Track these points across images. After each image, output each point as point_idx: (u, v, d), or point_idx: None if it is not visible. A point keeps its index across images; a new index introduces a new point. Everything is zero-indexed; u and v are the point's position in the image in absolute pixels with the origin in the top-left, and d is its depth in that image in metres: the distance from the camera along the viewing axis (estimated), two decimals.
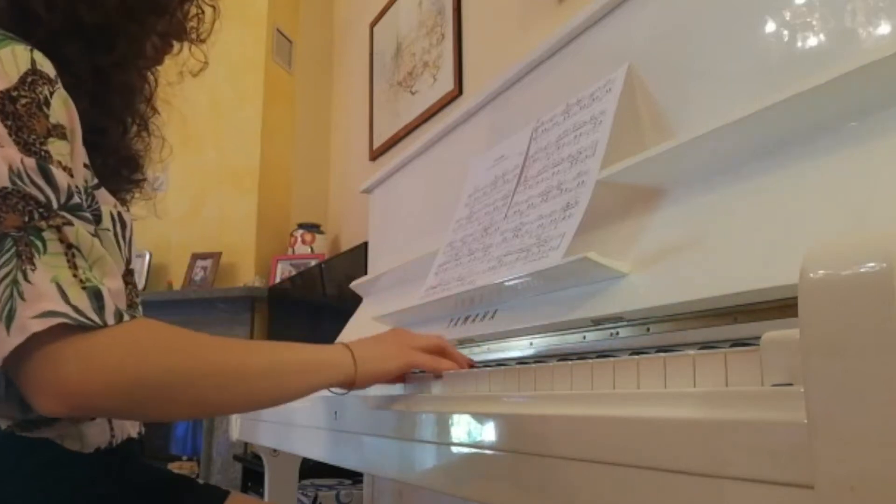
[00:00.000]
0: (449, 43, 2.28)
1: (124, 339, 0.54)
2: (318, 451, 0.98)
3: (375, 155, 2.83)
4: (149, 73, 0.76)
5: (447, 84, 2.27)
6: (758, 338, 0.40)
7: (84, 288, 0.52)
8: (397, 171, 1.61)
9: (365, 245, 1.91)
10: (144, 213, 0.81)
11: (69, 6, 0.64)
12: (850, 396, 0.30)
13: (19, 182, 0.53)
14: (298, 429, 1.07)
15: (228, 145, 3.34)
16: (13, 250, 0.51)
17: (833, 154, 0.60)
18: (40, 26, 0.62)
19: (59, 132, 0.57)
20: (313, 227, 3.18)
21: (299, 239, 3.14)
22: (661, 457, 0.40)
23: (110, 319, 0.53)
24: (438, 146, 1.43)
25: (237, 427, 1.45)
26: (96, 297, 0.52)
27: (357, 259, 2.15)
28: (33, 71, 0.57)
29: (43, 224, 0.53)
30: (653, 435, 0.41)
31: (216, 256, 3.20)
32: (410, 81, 2.55)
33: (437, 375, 0.76)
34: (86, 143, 0.63)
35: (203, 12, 0.76)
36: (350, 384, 0.69)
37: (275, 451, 1.55)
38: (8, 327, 0.50)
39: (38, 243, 0.52)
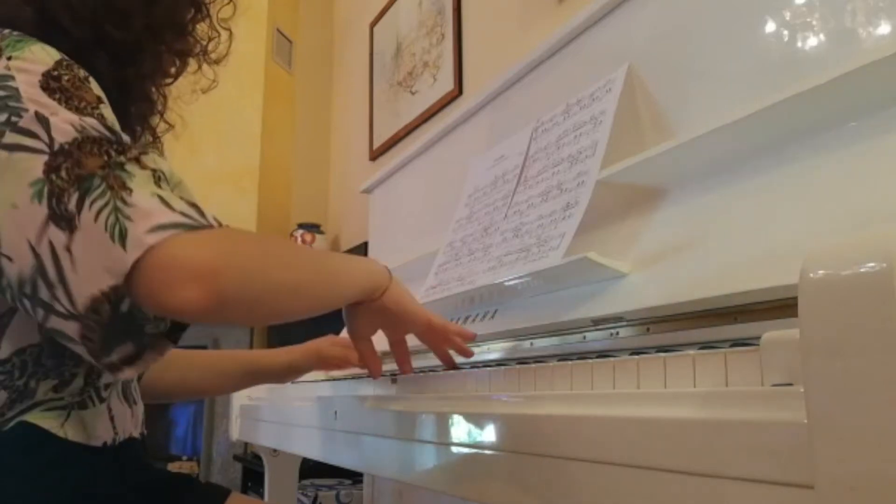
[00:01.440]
0: (449, 43, 2.28)
1: (231, 234, 0.56)
2: (318, 451, 0.98)
3: (375, 155, 2.83)
4: (163, 88, 0.80)
5: (447, 84, 2.27)
6: (758, 338, 0.40)
7: (181, 198, 0.55)
8: (397, 171, 1.61)
9: (365, 245, 1.91)
10: None
11: (96, 22, 0.67)
12: (850, 396, 0.30)
13: (90, 130, 0.55)
14: (298, 429, 1.07)
15: (228, 145, 3.34)
16: (103, 186, 0.53)
17: (833, 154, 0.60)
18: (66, 39, 0.65)
19: (105, 102, 0.60)
20: (313, 227, 3.17)
21: (299, 239, 3.14)
22: (661, 457, 0.40)
23: (213, 222, 0.55)
24: (438, 146, 1.43)
25: (237, 427, 1.45)
26: (193, 206, 0.55)
27: None
28: (66, 59, 0.59)
29: (122, 158, 0.55)
30: (653, 435, 0.41)
31: None
32: (410, 81, 2.55)
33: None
34: None
35: (219, 35, 0.81)
36: (377, 295, 0.75)
37: (275, 451, 1.55)
38: (123, 245, 0.51)
39: (124, 175, 0.54)
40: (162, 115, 0.81)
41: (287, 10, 3.56)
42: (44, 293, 0.54)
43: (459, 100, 2.21)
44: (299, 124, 3.54)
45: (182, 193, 0.57)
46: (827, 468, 0.30)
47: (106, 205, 0.52)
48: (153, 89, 0.77)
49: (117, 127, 0.57)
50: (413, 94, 2.52)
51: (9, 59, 0.58)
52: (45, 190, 0.53)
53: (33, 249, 0.53)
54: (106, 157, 0.55)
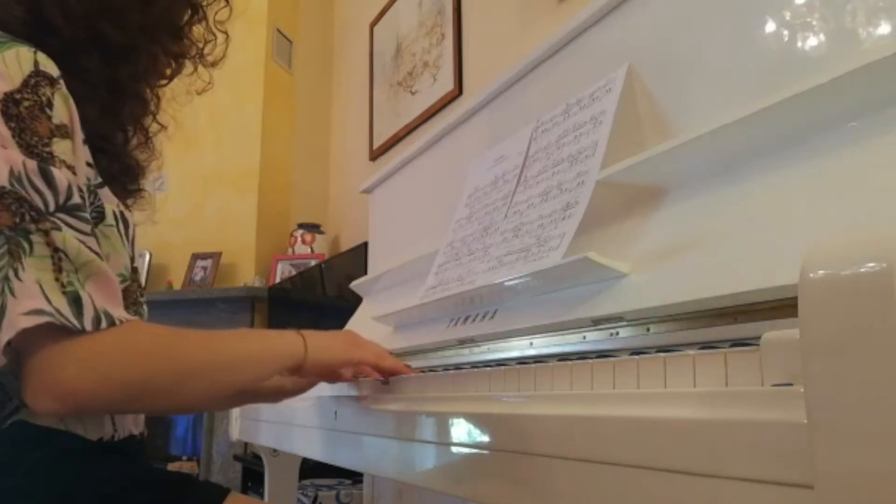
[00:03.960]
0: (449, 43, 2.28)
1: (113, 344, 0.57)
2: (318, 451, 0.98)
3: (375, 155, 2.83)
4: (157, 89, 0.79)
5: (447, 84, 2.27)
6: (758, 338, 0.40)
7: (64, 293, 0.55)
8: (397, 171, 1.61)
9: (365, 245, 1.91)
10: (142, 218, 0.83)
11: (91, 20, 0.66)
12: (850, 396, 0.30)
13: (17, 185, 0.55)
14: (298, 429, 1.07)
15: (228, 145, 3.34)
16: (5, 248, 0.54)
17: (833, 154, 0.60)
18: (56, 36, 0.64)
19: (62, 132, 0.59)
20: (313, 227, 3.17)
21: (299, 239, 3.14)
22: (661, 457, 0.40)
23: (88, 325, 0.55)
24: (438, 146, 1.43)
25: (237, 427, 1.45)
26: (75, 302, 0.55)
27: (357, 259, 2.15)
28: (36, 73, 0.58)
29: (32, 227, 0.55)
30: (653, 435, 0.41)
31: (216, 256, 3.20)
32: (410, 81, 2.55)
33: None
34: (92, 145, 0.65)
35: (215, 38, 0.81)
36: (297, 370, 0.74)
37: (275, 451, 1.55)
38: (0, 322, 0.53)
39: (26, 245, 0.54)
40: (154, 117, 0.80)
41: (287, 10, 3.56)
42: None
43: (459, 100, 2.21)
44: (299, 124, 3.54)
45: (82, 277, 0.56)
46: (827, 468, 0.30)
47: (2, 269, 0.54)
48: (147, 90, 0.77)
49: (55, 175, 0.57)
50: (413, 94, 2.52)
51: None
52: None
53: None
54: (17, 219, 0.55)
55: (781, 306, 0.55)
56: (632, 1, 0.91)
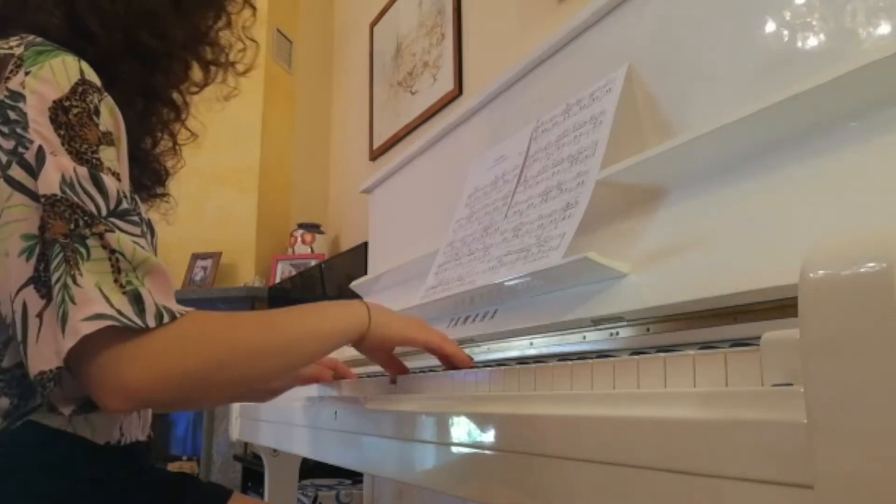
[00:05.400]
0: (449, 43, 2.28)
1: (173, 338, 0.57)
2: (318, 451, 0.98)
3: (375, 155, 2.83)
4: (188, 96, 0.81)
5: (447, 84, 2.27)
6: (758, 338, 0.40)
7: (124, 292, 0.55)
8: (397, 171, 1.61)
9: (365, 245, 1.91)
10: (156, 217, 0.85)
11: (127, 27, 0.67)
12: (850, 396, 0.30)
13: (69, 191, 0.56)
14: (298, 429, 1.07)
15: (228, 145, 3.34)
16: (61, 256, 0.55)
17: (833, 154, 0.60)
18: (94, 44, 0.65)
19: (109, 139, 0.60)
20: (313, 227, 3.17)
21: (299, 239, 3.14)
22: (661, 457, 0.40)
23: (151, 321, 0.55)
24: (438, 146, 1.43)
25: (237, 427, 1.45)
26: (136, 300, 0.55)
27: (357, 259, 2.15)
28: (83, 81, 0.59)
29: (87, 231, 0.56)
30: (653, 435, 0.41)
31: (216, 256, 3.20)
32: (410, 81, 2.55)
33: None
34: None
35: (245, 46, 0.82)
36: (360, 341, 0.73)
37: (275, 451, 1.55)
38: (63, 330, 0.53)
39: (83, 250, 0.55)
40: (184, 123, 0.82)
41: (287, 10, 3.56)
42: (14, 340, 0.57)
43: (459, 100, 2.21)
44: (299, 124, 3.54)
45: (140, 275, 0.57)
46: (827, 468, 0.30)
47: (59, 279, 0.54)
48: (179, 97, 0.78)
49: (104, 181, 0.58)
50: (413, 94, 2.52)
51: (27, 73, 0.58)
52: (37, 250, 0.56)
53: (11, 303, 0.56)
54: (72, 226, 0.56)
55: (781, 306, 0.55)
56: (632, 1, 0.91)
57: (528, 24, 1.88)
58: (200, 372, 0.59)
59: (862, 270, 0.30)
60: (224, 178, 3.32)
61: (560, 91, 1.01)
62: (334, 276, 2.50)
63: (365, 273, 1.69)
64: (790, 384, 0.36)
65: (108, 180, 0.58)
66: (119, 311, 0.54)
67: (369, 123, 2.89)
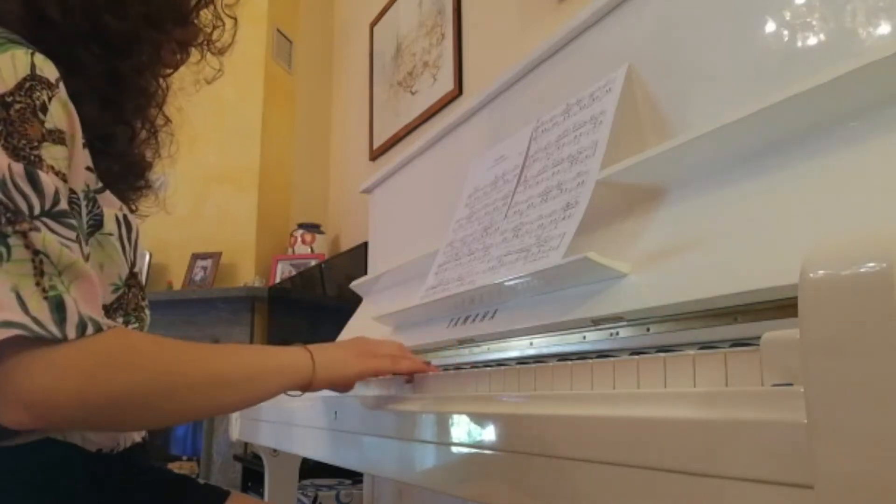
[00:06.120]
0: (449, 43, 2.28)
1: (95, 354, 0.53)
2: (318, 451, 0.98)
3: (375, 155, 2.83)
4: (163, 80, 0.76)
5: (447, 84, 2.27)
6: (758, 338, 0.40)
7: (46, 298, 0.51)
8: (397, 171, 1.61)
9: (365, 245, 1.91)
10: (154, 209, 0.81)
11: (90, 12, 0.64)
12: (850, 396, 0.30)
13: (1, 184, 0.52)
14: (298, 429, 1.07)
15: (228, 145, 3.34)
16: None
17: (833, 154, 0.60)
18: (54, 30, 0.62)
19: (56, 137, 0.57)
20: (313, 227, 3.18)
21: (299, 239, 3.14)
22: (661, 457, 0.40)
23: (71, 332, 0.51)
24: (438, 146, 1.43)
25: (237, 427, 1.45)
26: (58, 307, 0.51)
27: (357, 259, 2.15)
28: (32, 76, 0.56)
29: (9, 229, 0.51)
30: (653, 435, 0.41)
31: (216, 256, 3.20)
32: (410, 81, 2.55)
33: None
34: (92, 147, 0.63)
35: (223, 24, 0.77)
36: (306, 387, 0.70)
37: (275, 451, 1.55)
38: None
39: (3, 249, 0.51)
40: (160, 108, 0.77)
41: (287, 10, 3.56)
42: None
43: (459, 100, 2.21)
44: (299, 124, 3.54)
45: (66, 279, 0.53)
46: (827, 468, 0.30)
47: None
48: (152, 81, 0.73)
49: (42, 179, 0.54)
50: (413, 94, 2.52)
51: None
52: None
53: None
54: None
55: (781, 306, 0.55)
56: (632, 1, 0.91)
57: (528, 24, 1.88)
58: (126, 396, 0.54)
59: (862, 270, 0.30)
60: (224, 178, 3.33)
61: (560, 91, 1.01)
62: (334, 276, 2.50)
63: (365, 273, 1.69)
64: (790, 384, 0.36)
65: (47, 179, 0.54)
66: (35, 319, 0.50)
67: (369, 123, 2.89)
